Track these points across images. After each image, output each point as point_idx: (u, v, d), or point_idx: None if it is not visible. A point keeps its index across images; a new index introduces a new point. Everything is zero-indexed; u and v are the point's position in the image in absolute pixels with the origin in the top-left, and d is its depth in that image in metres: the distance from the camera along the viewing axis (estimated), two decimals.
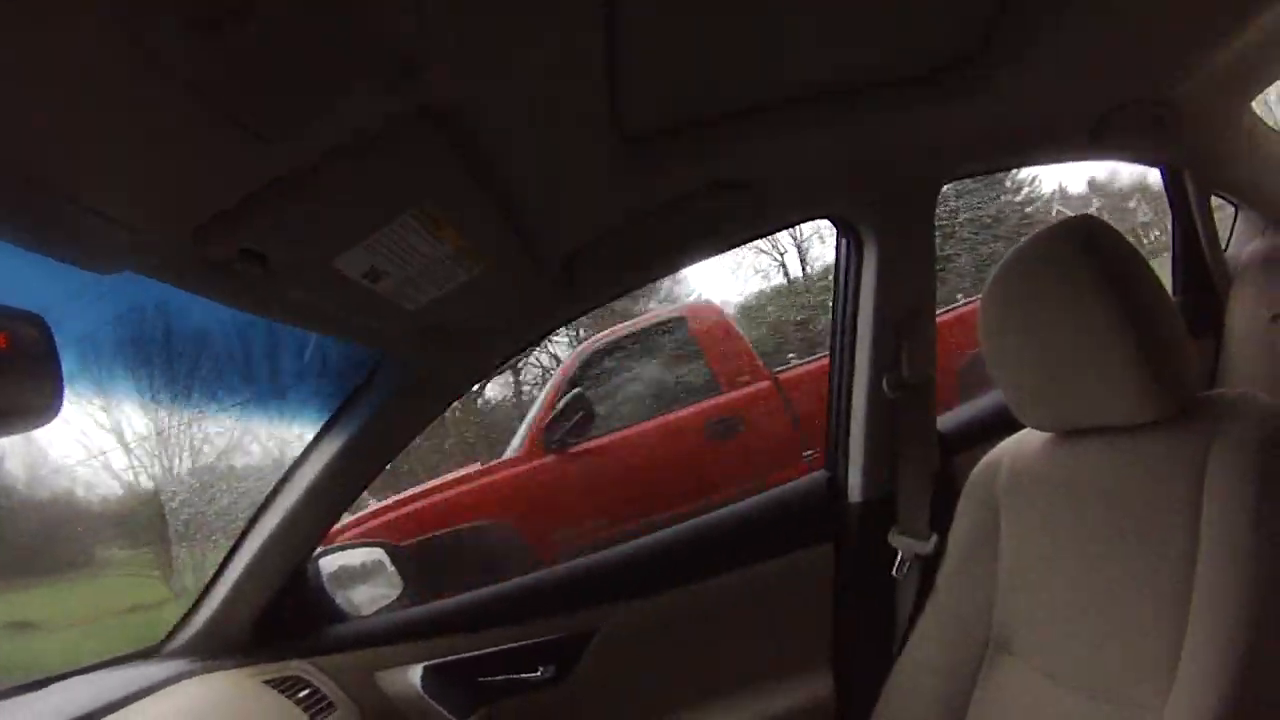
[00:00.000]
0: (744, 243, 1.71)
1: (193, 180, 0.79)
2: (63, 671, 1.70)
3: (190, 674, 1.66)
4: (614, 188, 1.23)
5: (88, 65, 0.60)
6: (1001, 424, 1.34)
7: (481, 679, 1.77)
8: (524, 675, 1.76)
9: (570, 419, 4.07)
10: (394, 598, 1.90)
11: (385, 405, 1.63)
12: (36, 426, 0.83)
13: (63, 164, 0.71)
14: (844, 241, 1.72)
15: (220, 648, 1.77)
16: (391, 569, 1.90)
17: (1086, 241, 1.09)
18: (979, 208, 5.91)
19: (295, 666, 1.77)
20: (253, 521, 1.74)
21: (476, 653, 1.77)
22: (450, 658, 1.77)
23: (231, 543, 1.77)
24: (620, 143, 1.12)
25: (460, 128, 0.90)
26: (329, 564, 1.87)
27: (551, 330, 1.65)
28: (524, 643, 1.77)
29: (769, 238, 6.96)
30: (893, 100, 1.28)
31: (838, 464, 1.83)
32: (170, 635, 1.82)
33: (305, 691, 1.70)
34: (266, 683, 1.67)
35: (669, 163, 1.23)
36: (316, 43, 0.67)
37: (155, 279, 0.96)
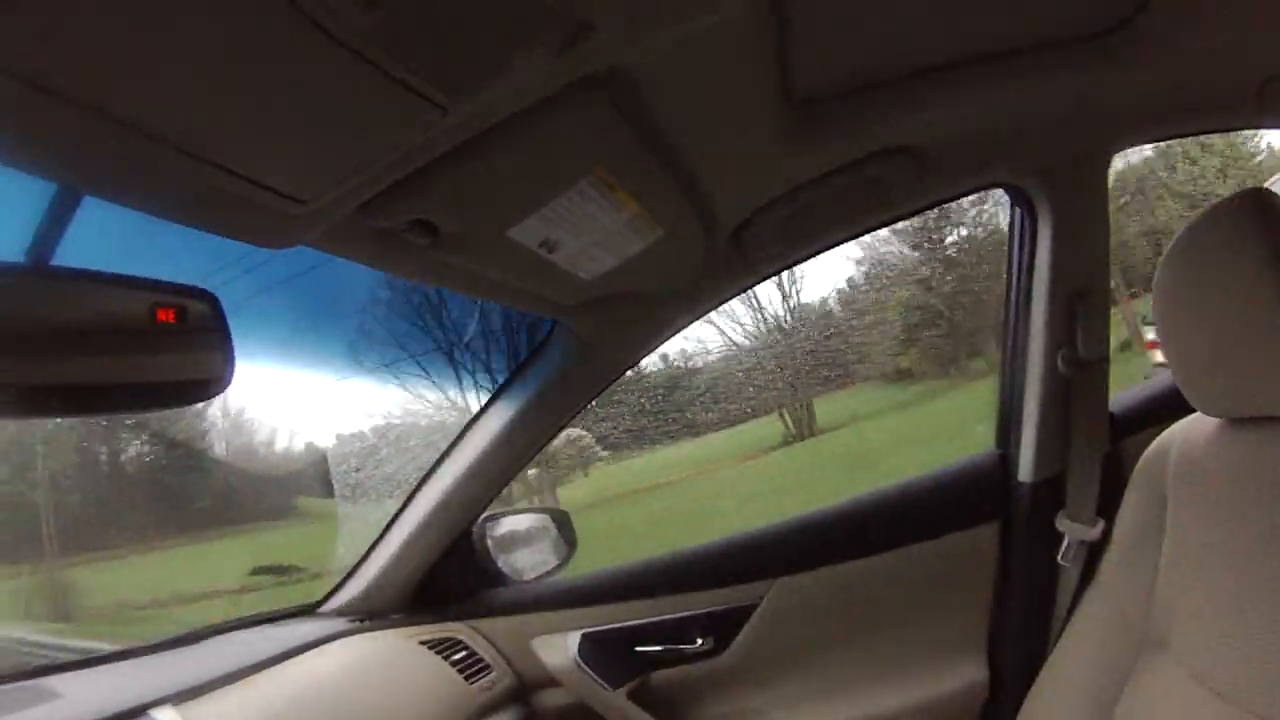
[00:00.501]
0: (914, 212, 1.68)
1: (363, 153, 0.79)
2: (222, 625, 1.78)
3: (348, 632, 1.73)
4: (782, 154, 1.21)
5: (255, 41, 0.60)
6: (1173, 407, 1.26)
7: (638, 648, 1.78)
8: (681, 646, 1.76)
9: None
10: (557, 565, 1.89)
11: (557, 373, 1.64)
12: (210, 396, 0.89)
13: (232, 142, 0.71)
14: (1017, 212, 1.68)
15: (379, 608, 1.84)
16: (557, 536, 1.90)
17: (1260, 216, 1.03)
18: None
19: (453, 629, 1.83)
20: (419, 486, 1.78)
21: (634, 622, 1.78)
22: (608, 626, 1.79)
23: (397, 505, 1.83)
24: (788, 108, 1.10)
25: (630, 95, 0.89)
26: (495, 528, 1.89)
27: (723, 301, 1.64)
28: (682, 614, 1.76)
29: None
30: (1056, 62, 1.22)
31: (1009, 441, 1.77)
32: (330, 595, 1.89)
33: (462, 654, 1.76)
34: (423, 643, 1.74)
35: (837, 128, 1.20)
36: (486, 11, 0.66)
37: (325, 251, 0.99)
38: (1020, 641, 1.72)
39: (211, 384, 0.86)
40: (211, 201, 0.79)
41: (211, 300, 0.86)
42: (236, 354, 0.87)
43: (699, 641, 1.77)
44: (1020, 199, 1.64)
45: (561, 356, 1.63)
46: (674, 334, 1.67)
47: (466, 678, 1.72)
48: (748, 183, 1.27)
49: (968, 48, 1.16)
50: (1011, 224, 1.72)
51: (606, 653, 1.77)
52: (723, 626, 1.76)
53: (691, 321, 1.66)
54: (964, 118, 1.31)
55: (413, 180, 0.86)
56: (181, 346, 0.84)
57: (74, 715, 1.22)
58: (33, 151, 0.69)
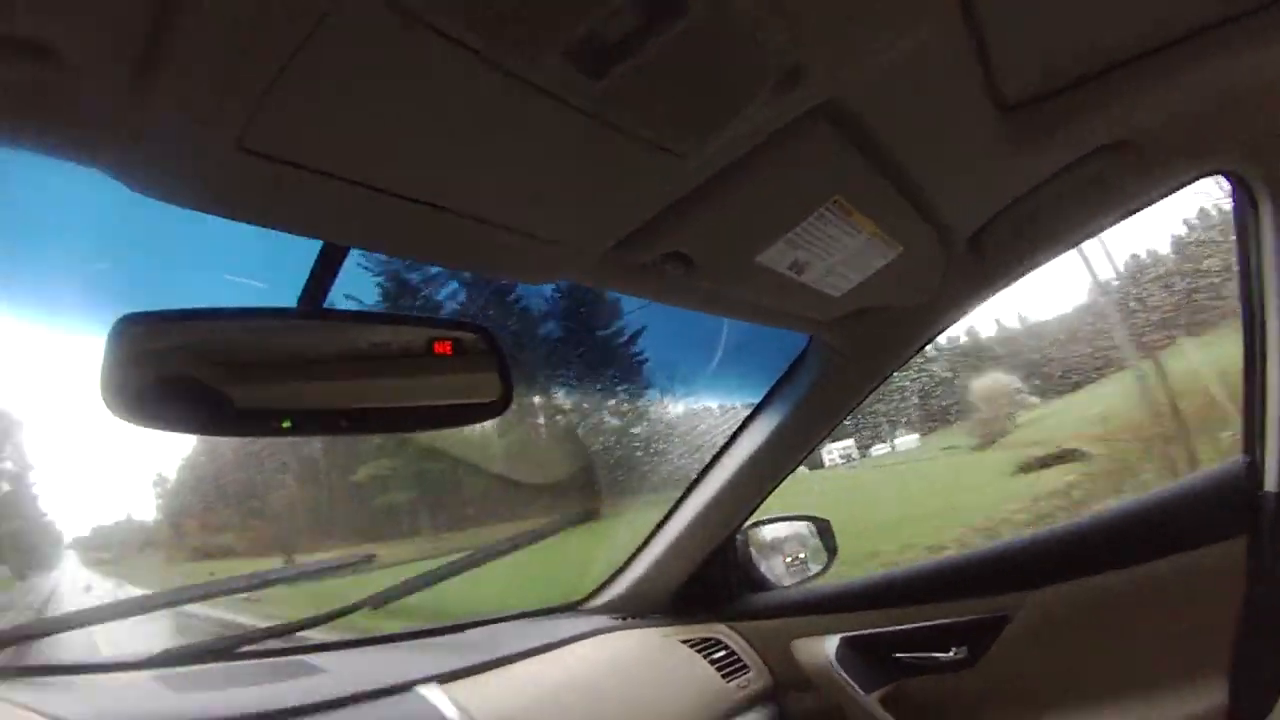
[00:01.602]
0: (1138, 209, 1.51)
1: (612, 200, 0.87)
2: (490, 617, 1.91)
3: (612, 629, 1.82)
4: (1002, 162, 1.15)
5: (514, 121, 0.70)
6: None
7: (894, 655, 1.74)
8: (936, 655, 1.71)
9: None
10: (818, 571, 1.91)
11: (814, 387, 1.65)
12: (488, 418, 1.00)
13: (504, 204, 0.82)
14: (1239, 200, 1.46)
15: (643, 607, 1.92)
16: (817, 544, 1.92)
17: None
18: None
19: (714, 629, 1.88)
20: (686, 493, 1.85)
21: (891, 628, 1.75)
22: (865, 631, 1.77)
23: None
24: (1000, 116, 1.04)
25: (853, 122, 0.91)
26: (758, 534, 1.94)
27: (969, 309, 1.57)
28: (937, 622, 1.71)
29: None
30: (1266, 31, 1.05)
31: (1254, 448, 1.54)
32: (594, 593, 2.00)
33: (721, 653, 1.81)
34: (684, 641, 1.80)
35: (1051, 130, 1.12)
36: (706, 68, 0.71)
37: (587, 284, 1.10)
38: (1263, 666, 1.52)
39: (490, 407, 0.98)
40: (488, 251, 0.92)
41: (485, 332, 0.98)
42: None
43: (952, 651, 1.70)
44: (1241, 187, 1.43)
45: (819, 370, 1.64)
46: (926, 344, 1.64)
47: (724, 676, 1.76)
48: (973, 193, 1.23)
49: (1169, 30, 1.04)
50: (1235, 216, 1.50)
51: (862, 657, 1.75)
52: (976, 637, 1.68)
53: (941, 331, 1.61)
54: (1175, 104, 1.17)
55: (664, 217, 0.93)
56: (459, 374, 0.96)
57: (339, 689, 1.34)
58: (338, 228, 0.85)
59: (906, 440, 7.05)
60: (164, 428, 0.88)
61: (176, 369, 0.86)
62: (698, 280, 1.08)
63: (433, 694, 1.38)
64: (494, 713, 1.38)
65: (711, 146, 0.81)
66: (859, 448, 7.10)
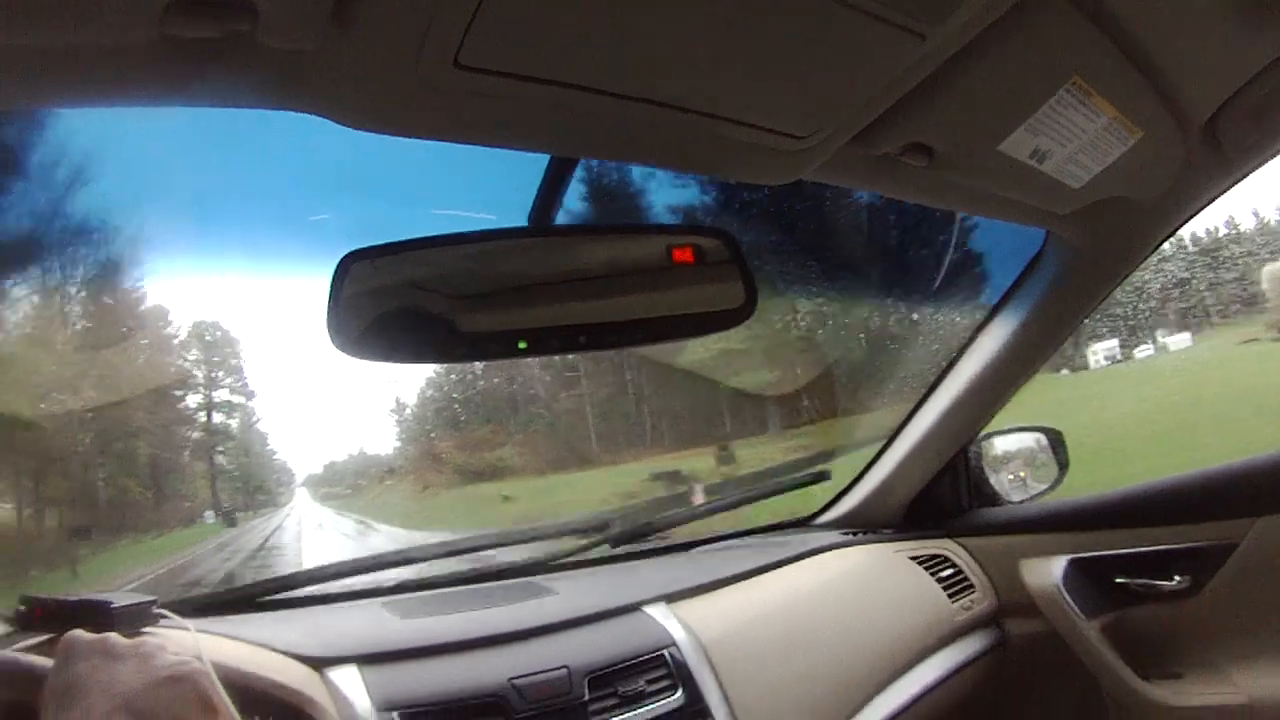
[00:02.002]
0: None
1: (854, 86, 0.82)
2: (718, 535, 1.94)
3: (842, 544, 1.80)
4: (1243, 35, 1.03)
5: (746, 5, 0.66)
6: None
7: (1118, 579, 1.64)
8: (1158, 582, 1.59)
9: None
10: (1048, 487, 1.79)
11: (1052, 287, 1.54)
12: (731, 326, 0.95)
13: (736, 95, 0.78)
14: None
15: (873, 522, 1.90)
16: (1049, 458, 1.80)
17: None
18: None
19: (942, 545, 1.83)
20: (918, 405, 1.79)
21: (1116, 551, 1.64)
22: (1092, 553, 1.67)
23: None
24: None
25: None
26: (990, 447, 1.85)
27: (1208, 202, 1.41)
28: (1162, 548, 1.59)
29: None
30: None
31: None
32: (824, 508, 1.99)
33: (948, 571, 1.76)
34: (913, 558, 1.76)
35: None
36: None
37: (826, 182, 1.05)
38: None
39: (734, 314, 0.93)
40: (721, 151, 0.87)
41: (726, 236, 0.93)
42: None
43: (1175, 579, 1.58)
44: None
45: (1056, 269, 1.52)
46: (1166, 238, 1.49)
47: (950, 595, 1.72)
48: (1213, 71, 1.12)
49: None
50: None
51: (1087, 581, 1.66)
52: (1201, 564, 1.56)
53: (1181, 225, 1.46)
54: None
55: (904, 106, 0.88)
56: (701, 282, 0.92)
57: (569, 609, 1.37)
58: (554, 136, 0.81)
59: (1178, 339, 6.71)
60: (394, 359, 0.90)
61: (405, 299, 0.86)
62: (938, 172, 1.04)
63: (660, 613, 1.39)
64: (721, 630, 1.39)
65: (951, 24, 0.76)
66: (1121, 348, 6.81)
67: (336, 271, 0.83)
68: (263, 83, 0.71)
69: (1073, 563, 1.67)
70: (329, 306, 0.83)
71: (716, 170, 0.97)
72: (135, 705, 0.61)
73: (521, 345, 0.86)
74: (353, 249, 0.84)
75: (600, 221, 0.89)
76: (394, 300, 0.85)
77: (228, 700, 0.67)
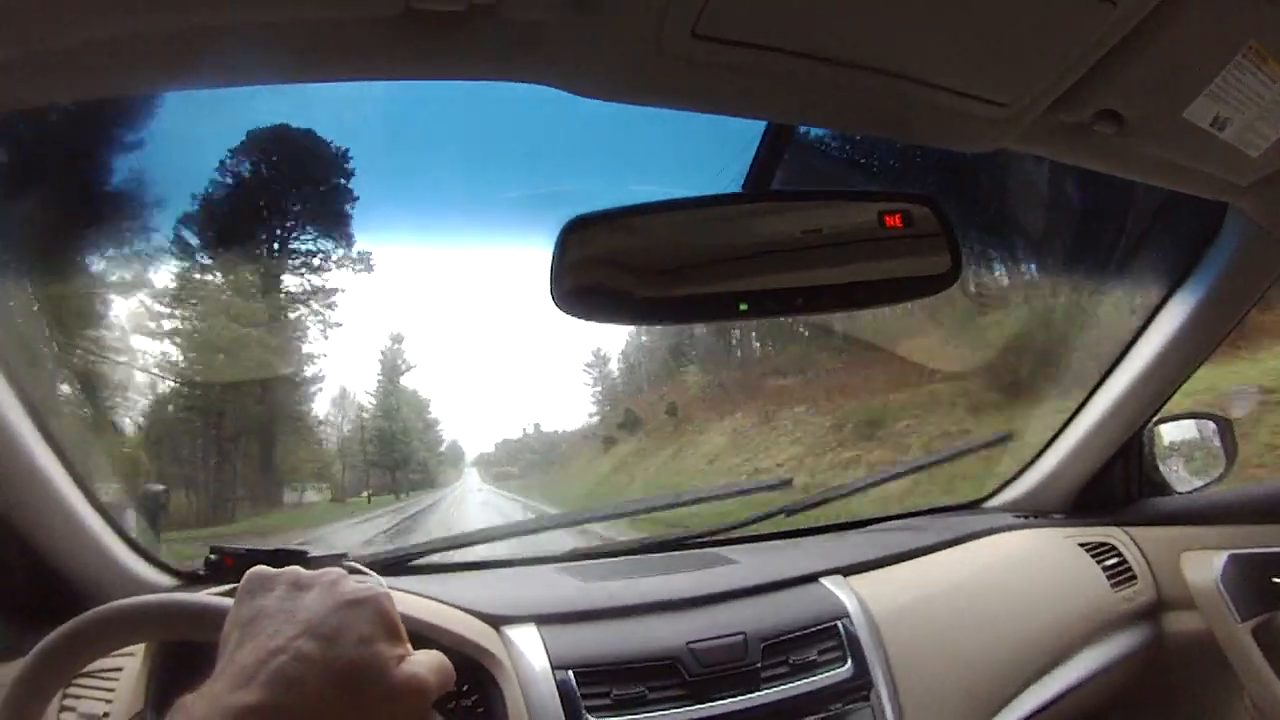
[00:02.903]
0: None
1: (1050, 53, 0.82)
2: (892, 514, 1.95)
3: (1012, 527, 1.78)
4: None
5: None
6: None
7: (1275, 579, 1.57)
8: None
9: None
10: (1216, 477, 1.73)
11: (1231, 265, 1.48)
12: (938, 291, 0.96)
13: (944, 61, 0.79)
14: None
15: (1044, 506, 1.87)
16: (1218, 446, 1.74)
17: None
18: None
19: (1110, 533, 1.78)
20: (1095, 389, 1.75)
21: (1277, 550, 1.57)
22: (1254, 550, 1.60)
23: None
24: None
25: None
26: (1163, 433, 1.79)
27: None
28: None
29: None
30: None
31: None
32: (996, 491, 1.98)
33: (1114, 560, 1.72)
34: (1081, 545, 1.72)
35: None
36: None
37: (1020, 150, 1.03)
38: None
39: (940, 279, 0.95)
40: (930, 118, 0.89)
41: (933, 203, 0.94)
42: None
43: None
44: None
45: (1236, 246, 1.46)
46: None
47: (1113, 585, 1.68)
48: None
49: None
50: None
51: (1247, 579, 1.59)
52: None
53: None
54: None
55: (1097, 71, 0.87)
56: (909, 247, 0.93)
57: (750, 577, 1.40)
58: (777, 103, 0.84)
59: None
60: (617, 320, 0.93)
61: (628, 262, 0.90)
62: (1125, 140, 1.02)
63: (836, 585, 1.41)
64: (892, 605, 1.40)
65: None
66: None
67: (560, 236, 0.87)
68: (502, 55, 0.74)
69: (1232, 558, 1.61)
70: (553, 269, 0.87)
71: (925, 137, 0.98)
72: (320, 629, 0.61)
73: (742, 307, 0.88)
74: (577, 214, 0.88)
75: (812, 188, 0.90)
76: (616, 263, 0.89)
77: (406, 632, 0.67)
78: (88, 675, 1.11)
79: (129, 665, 1.12)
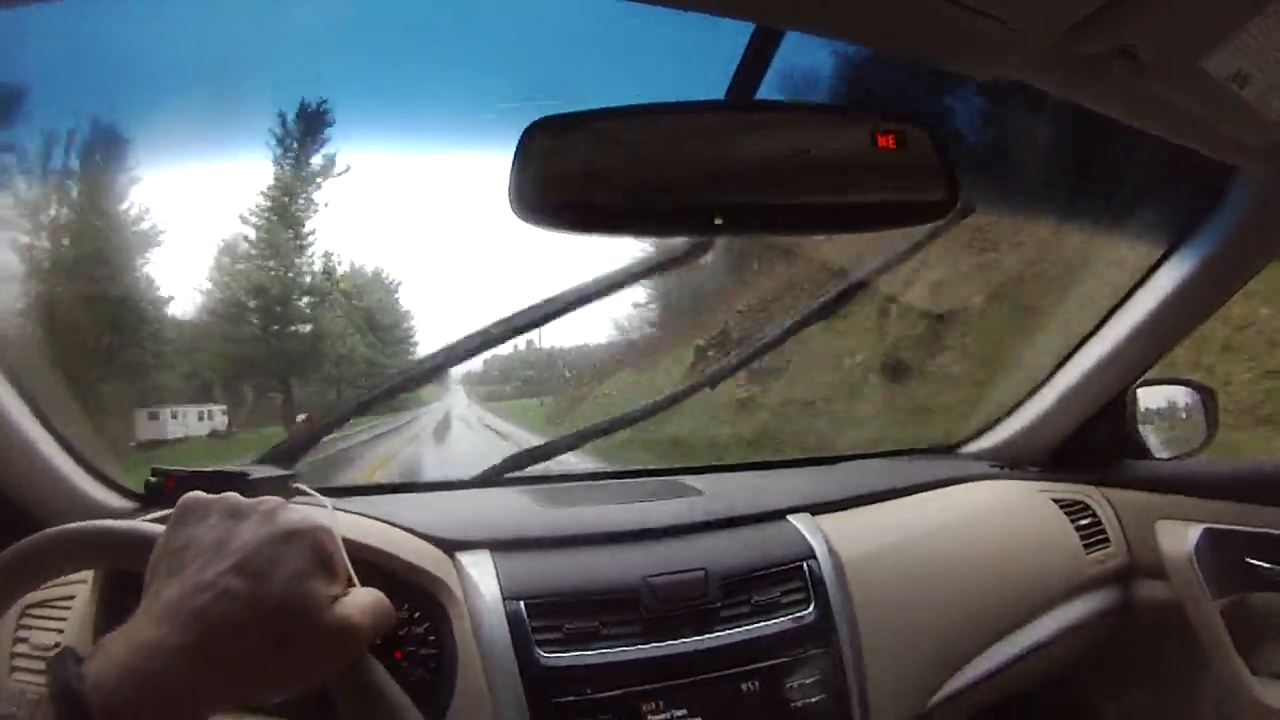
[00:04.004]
0: None
1: None
2: (863, 453, 1.95)
3: (986, 476, 1.76)
4: None
5: None
6: None
7: (1249, 559, 1.55)
8: None
9: None
10: (1195, 447, 1.73)
11: (1236, 229, 1.43)
12: (933, 220, 0.91)
13: None
14: None
15: (1020, 458, 1.85)
16: (1201, 417, 1.72)
17: None
18: None
19: (1085, 492, 1.76)
20: (1081, 344, 1.72)
21: (1257, 529, 1.55)
22: (1230, 526, 1.58)
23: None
24: None
25: None
26: (1144, 396, 1.76)
27: None
28: None
29: None
30: None
31: None
32: (972, 437, 1.96)
33: (1087, 519, 1.70)
34: (1055, 500, 1.70)
35: None
36: None
37: (1028, 81, 0.96)
38: None
39: (936, 206, 0.89)
40: (930, 30, 0.82)
41: (931, 127, 0.88)
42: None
43: None
44: None
45: (1241, 210, 1.41)
46: None
47: (1085, 545, 1.66)
48: None
49: None
50: None
51: (1221, 554, 1.58)
52: None
53: None
54: None
55: (1117, 3, 0.81)
56: (902, 171, 0.87)
57: (715, 509, 1.37)
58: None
59: None
60: (583, 230, 0.87)
61: (596, 168, 0.83)
62: (1140, 82, 0.96)
63: (803, 523, 1.37)
64: (860, 547, 1.37)
65: None
66: None
67: (522, 139, 0.81)
68: None
69: (1208, 532, 1.60)
70: (513, 174, 0.81)
71: (925, 54, 0.91)
72: (250, 565, 0.58)
73: (717, 221, 0.83)
74: (542, 116, 0.82)
75: (799, 100, 0.85)
76: (584, 169, 0.83)
77: (349, 565, 0.64)
78: (41, 605, 1.08)
79: (80, 594, 1.09)
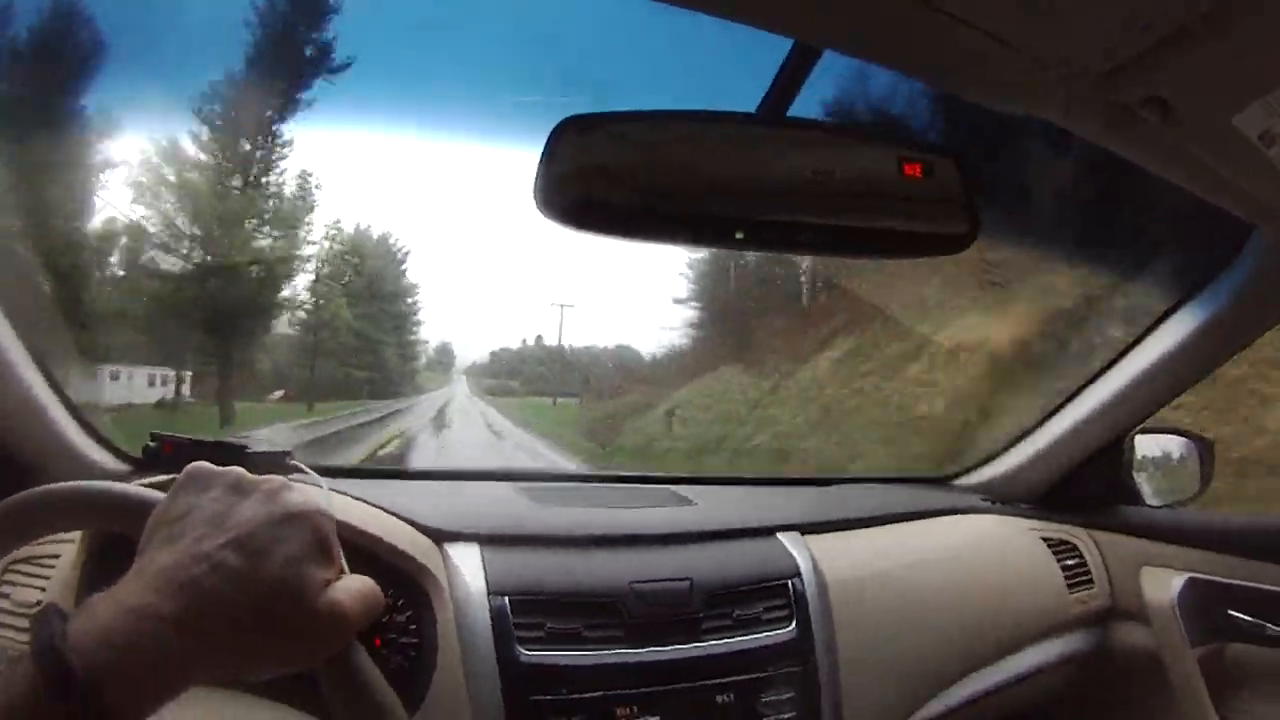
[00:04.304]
0: None
1: (1113, 20, 0.76)
2: (856, 476, 1.96)
3: (978, 510, 1.77)
4: None
5: None
6: None
7: (1231, 612, 1.55)
8: (1266, 624, 1.50)
9: None
10: (1187, 498, 1.73)
11: (1247, 287, 1.43)
12: (951, 252, 0.90)
13: (995, 5, 0.72)
14: None
15: (1013, 494, 1.85)
16: (1195, 469, 1.72)
17: None
18: None
19: (1074, 533, 1.77)
20: (1084, 386, 1.72)
21: (1239, 581, 1.56)
22: (1212, 577, 1.59)
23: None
24: None
25: None
26: (1142, 443, 1.76)
27: None
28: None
29: None
30: None
31: None
32: (966, 470, 1.96)
33: (1074, 560, 1.71)
34: (1043, 538, 1.71)
35: None
36: None
37: (1059, 122, 0.95)
38: None
39: (955, 240, 0.88)
40: (964, 61, 0.81)
41: (958, 158, 0.88)
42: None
43: None
44: None
45: (1254, 268, 1.41)
46: None
47: (1070, 585, 1.67)
48: None
49: None
50: None
51: (1203, 604, 1.59)
52: None
53: None
54: None
55: (1158, 50, 0.81)
56: (926, 200, 0.87)
57: (705, 521, 1.38)
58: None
59: None
60: (605, 232, 0.86)
61: (620, 172, 0.83)
62: (1169, 132, 0.95)
63: (791, 541, 1.38)
64: (845, 570, 1.37)
65: None
66: None
67: (552, 136, 0.81)
68: None
69: (1191, 581, 1.61)
70: (540, 172, 0.80)
71: (960, 86, 0.91)
72: (249, 542, 0.58)
73: (739, 235, 0.83)
74: (572, 114, 0.81)
75: (830, 120, 0.85)
76: (609, 171, 0.83)
77: (342, 553, 0.64)
78: (24, 561, 1.08)
79: (66, 553, 1.09)
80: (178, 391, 6.47)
